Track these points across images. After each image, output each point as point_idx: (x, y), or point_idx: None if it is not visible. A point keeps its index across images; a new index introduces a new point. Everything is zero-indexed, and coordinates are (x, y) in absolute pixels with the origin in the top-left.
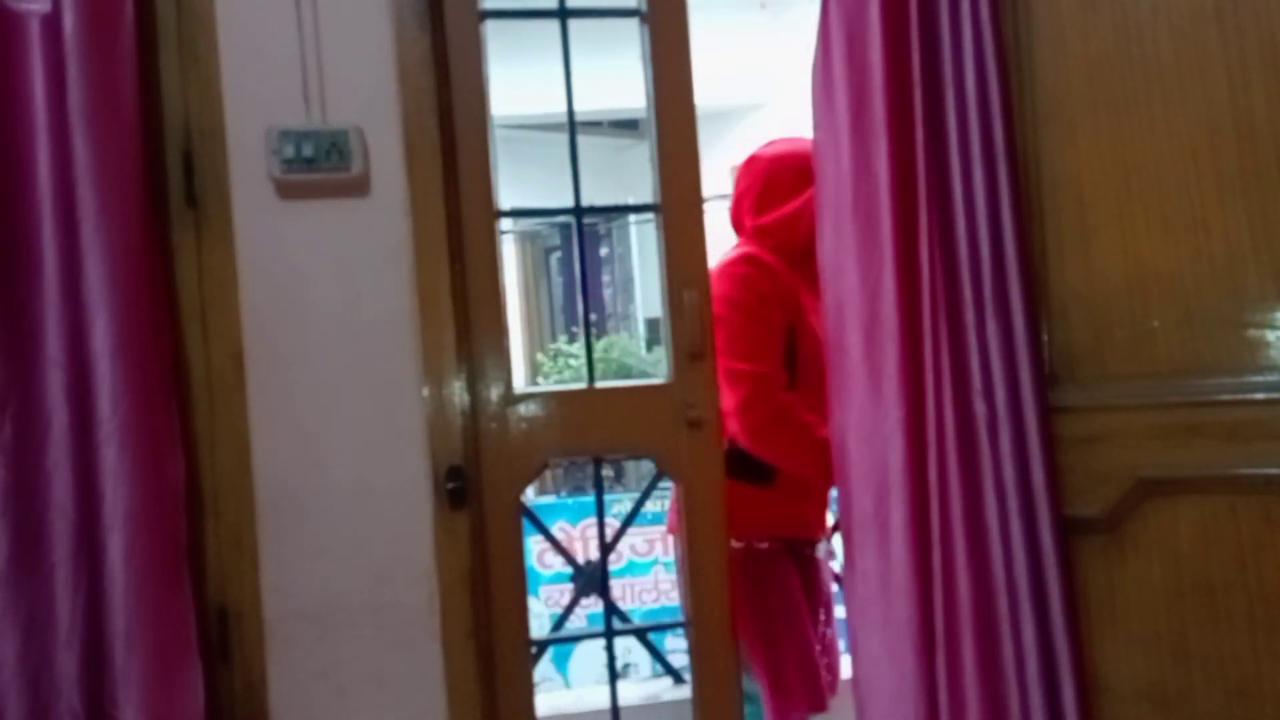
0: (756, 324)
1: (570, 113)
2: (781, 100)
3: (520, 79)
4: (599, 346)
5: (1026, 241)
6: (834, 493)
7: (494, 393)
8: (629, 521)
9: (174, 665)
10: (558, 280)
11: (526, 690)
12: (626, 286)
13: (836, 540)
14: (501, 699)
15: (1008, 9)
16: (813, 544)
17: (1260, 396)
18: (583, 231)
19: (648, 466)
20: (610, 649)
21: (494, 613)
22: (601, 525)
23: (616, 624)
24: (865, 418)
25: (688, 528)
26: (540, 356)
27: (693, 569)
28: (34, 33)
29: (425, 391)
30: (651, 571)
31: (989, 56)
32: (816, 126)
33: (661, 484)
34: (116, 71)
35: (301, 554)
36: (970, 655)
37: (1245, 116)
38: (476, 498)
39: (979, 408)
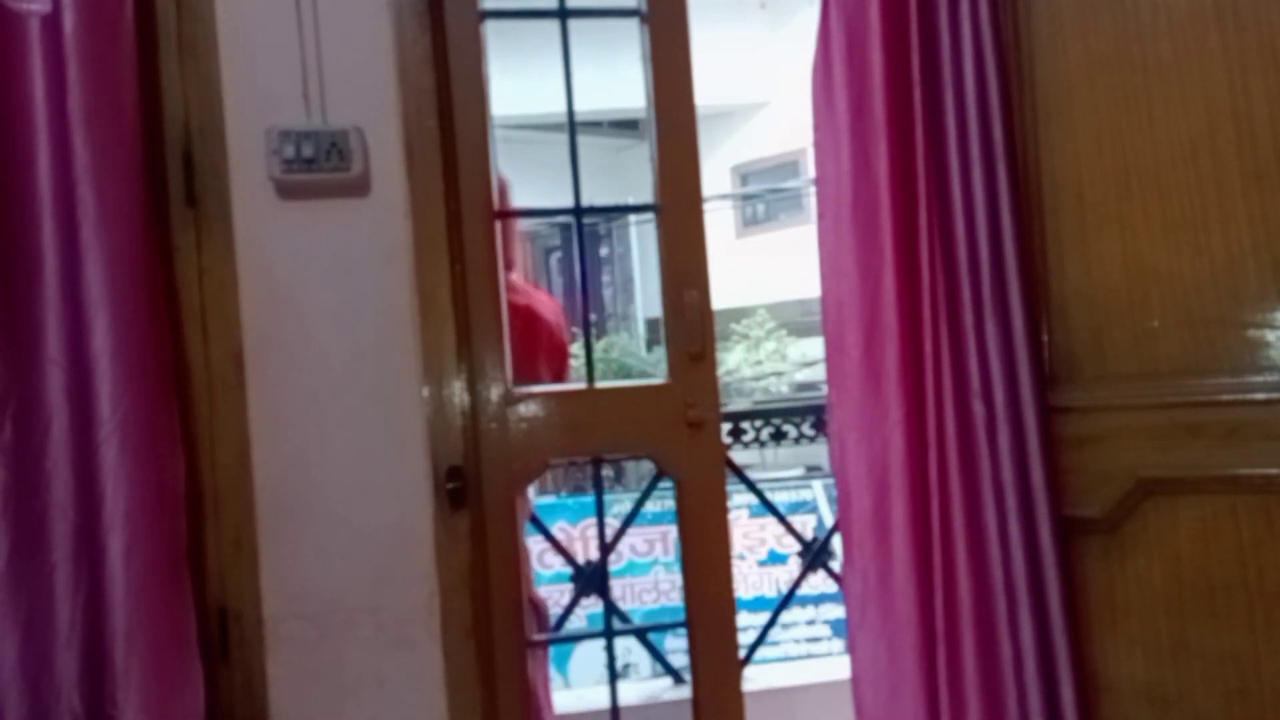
0: None
1: (570, 113)
2: (782, 100)
3: (520, 79)
4: (599, 346)
5: (1026, 241)
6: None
7: (494, 393)
8: (629, 522)
9: (174, 665)
10: (558, 280)
11: (526, 690)
12: (626, 286)
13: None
14: (501, 699)
15: (1008, 9)
16: None
17: (1260, 396)
18: (583, 231)
19: (648, 466)
20: (610, 649)
21: (494, 613)
22: (601, 525)
23: (616, 624)
24: (865, 417)
25: (688, 528)
26: None
27: (693, 569)
28: (34, 33)
29: (425, 391)
30: (651, 571)
31: (989, 56)
32: (816, 126)
33: (661, 484)
34: (116, 72)
35: (301, 554)
36: (970, 654)
37: (1245, 116)
38: (476, 498)
39: (978, 408)
